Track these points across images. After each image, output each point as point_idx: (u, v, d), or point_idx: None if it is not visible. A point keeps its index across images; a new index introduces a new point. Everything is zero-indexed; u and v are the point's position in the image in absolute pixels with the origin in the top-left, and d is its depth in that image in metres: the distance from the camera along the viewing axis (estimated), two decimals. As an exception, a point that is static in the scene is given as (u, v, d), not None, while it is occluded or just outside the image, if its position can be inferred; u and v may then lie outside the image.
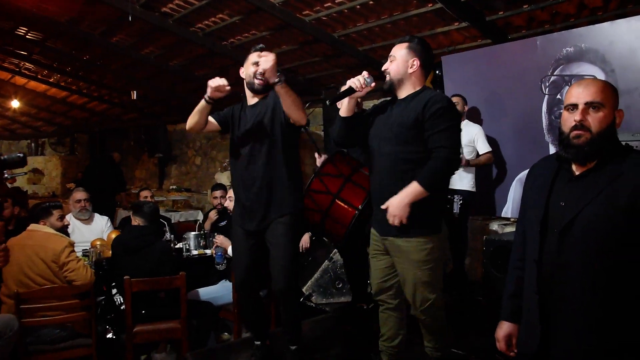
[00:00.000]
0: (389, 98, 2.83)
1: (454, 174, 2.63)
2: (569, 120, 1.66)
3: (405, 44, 2.68)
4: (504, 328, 1.87)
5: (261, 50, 2.83)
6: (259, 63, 2.76)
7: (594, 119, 1.62)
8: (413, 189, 2.45)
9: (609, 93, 1.63)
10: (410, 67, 2.63)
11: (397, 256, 2.64)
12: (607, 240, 1.55)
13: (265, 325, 3.25)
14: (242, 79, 3.06)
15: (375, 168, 2.70)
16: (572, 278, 1.61)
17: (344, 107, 2.70)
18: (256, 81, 2.86)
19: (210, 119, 3.01)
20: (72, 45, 7.82)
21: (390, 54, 2.70)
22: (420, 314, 2.68)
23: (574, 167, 1.67)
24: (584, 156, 1.64)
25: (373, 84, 2.64)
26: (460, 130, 2.64)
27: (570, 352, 1.62)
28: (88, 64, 8.59)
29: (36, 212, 3.70)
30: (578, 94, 1.65)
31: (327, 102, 2.73)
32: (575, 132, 1.64)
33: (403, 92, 2.66)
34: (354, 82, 2.61)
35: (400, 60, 2.64)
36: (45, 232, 3.53)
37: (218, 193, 5.24)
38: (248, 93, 3.02)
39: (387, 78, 2.67)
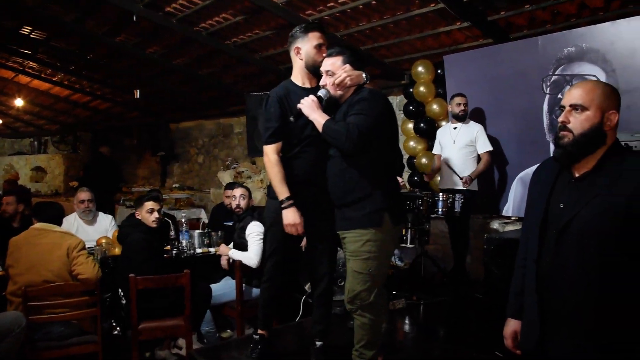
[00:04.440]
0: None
1: (344, 149, 2.58)
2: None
3: (339, 57, 2.73)
4: (511, 325, 1.92)
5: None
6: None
7: (576, 121, 1.67)
8: (318, 115, 2.64)
9: (596, 95, 1.66)
10: None
11: (345, 251, 2.72)
12: (603, 241, 1.58)
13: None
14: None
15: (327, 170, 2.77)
16: (568, 278, 1.65)
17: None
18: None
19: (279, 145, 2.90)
20: (76, 44, 7.87)
21: (326, 68, 2.74)
22: (347, 304, 2.70)
23: (573, 168, 1.71)
24: (568, 156, 1.69)
25: (328, 95, 2.70)
26: (376, 120, 2.57)
27: (565, 349, 1.66)
28: (92, 63, 8.63)
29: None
30: (566, 96, 1.71)
31: (291, 118, 2.75)
32: (560, 133, 1.70)
33: (344, 98, 2.74)
34: (302, 107, 2.69)
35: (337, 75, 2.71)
36: (58, 230, 3.58)
37: (229, 192, 5.19)
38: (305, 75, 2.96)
39: (329, 94, 2.72)
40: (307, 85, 2.93)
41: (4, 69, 10.05)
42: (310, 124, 2.73)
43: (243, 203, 4.44)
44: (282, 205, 2.77)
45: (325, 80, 2.73)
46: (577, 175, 1.70)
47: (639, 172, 1.57)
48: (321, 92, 2.73)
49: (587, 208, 1.61)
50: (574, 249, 1.63)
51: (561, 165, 1.74)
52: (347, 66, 2.70)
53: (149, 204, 3.94)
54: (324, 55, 2.82)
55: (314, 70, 2.88)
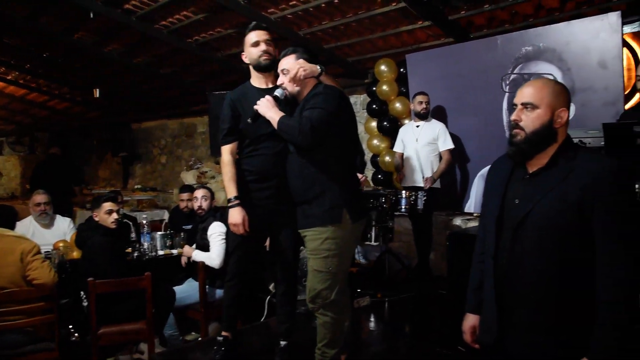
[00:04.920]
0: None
1: (298, 143, 2.59)
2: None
3: (293, 55, 2.74)
4: (469, 320, 1.95)
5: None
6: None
7: (527, 119, 1.70)
8: (273, 113, 2.64)
9: (546, 93, 1.70)
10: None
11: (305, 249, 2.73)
12: (558, 235, 1.61)
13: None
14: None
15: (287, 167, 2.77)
16: (525, 272, 1.68)
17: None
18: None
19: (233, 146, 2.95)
20: (31, 41, 7.61)
21: (282, 67, 2.76)
22: (309, 303, 2.70)
23: (527, 165, 1.74)
24: (521, 153, 1.72)
25: (285, 94, 2.72)
26: (330, 113, 2.56)
27: (523, 344, 1.69)
28: (48, 61, 8.38)
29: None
30: (518, 95, 1.75)
31: (249, 120, 2.76)
32: (513, 131, 1.74)
33: (302, 96, 2.75)
34: (258, 107, 2.71)
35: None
36: (11, 235, 3.44)
37: (185, 196, 5.20)
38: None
39: (286, 93, 2.73)
40: (264, 86, 2.96)
41: (-45, 68, 9.66)
42: (265, 122, 2.73)
43: (205, 204, 4.38)
44: (229, 204, 2.84)
45: (281, 79, 2.74)
46: (530, 171, 1.73)
47: (590, 167, 1.61)
48: (277, 92, 2.74)
49: (541, 203, 1.64)
50: (529, 243, 1.66)
51: (515, 162, 1.77)
52: (301, 61, 2.70)
53: (107, 205, 3.86)
54: (262, 49, 2.87)
55: (261, 69, 2.94)
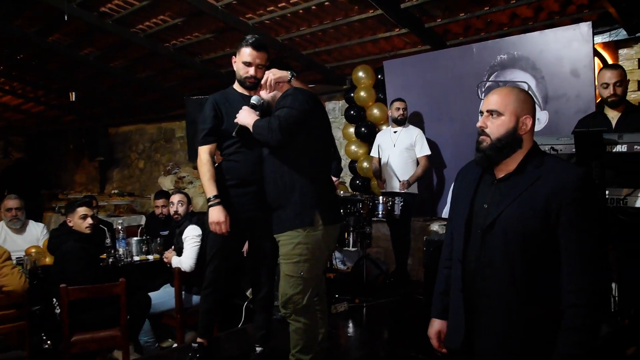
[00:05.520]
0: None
1: (268, 142, 2.63)
2: None
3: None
4: (435, 326, 1.96)
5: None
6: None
7: (492, 125, 1.75)
8: (250, 119, 2.69)
9: (511, 101, 1.74)
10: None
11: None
12: (525, 239, 1.65)
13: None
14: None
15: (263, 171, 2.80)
16: (493, 275, 1.70)
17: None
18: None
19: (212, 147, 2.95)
20: (3, 43, 7.47)
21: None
22: (281, 308, 2.70)
23: (495, 170, 1.77)
24: (486, 159, 1.76)
25: (262, 101, 2.76)
26: (299, 111, 2.58)
27: (491, 345, 1.72)
28: (23, 64, 8.23)
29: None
30: (484, 103, 1.79)
31: (233, 134, 2.79)
32: (479, 138, 1.78)
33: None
34: (238, 120, 2.75)
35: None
36: None
37: (160, 202, 5.17)
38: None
39: (262, 100, 2.77)
40: (246, 93, 2.97)
41: None
42: (247, 129, 2.75)
43: (181, 209, 4.35)
44: (209, 203, 2.82)
45: (259, 89, 2.80)
46: (499, 177, 1.76)
47: (556, 174, 1.64)
48: (253, 99, 2.77)
49: (510, 208, 1.67)
50: (498, 247, 1.69)
51: (483, 168, 1.80)
52: (273, 69, 2.73)
53: (82, 210, 3.80)
54: (251, 74, 2.88)
55: (241, 83, 2.96)
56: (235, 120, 2.76)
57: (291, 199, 2.60)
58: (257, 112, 2.74)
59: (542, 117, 4.57)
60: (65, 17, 5.31)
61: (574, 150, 3.47)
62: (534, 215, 1.62)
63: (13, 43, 7.32)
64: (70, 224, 3.82)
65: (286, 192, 2.62)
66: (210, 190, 2.82)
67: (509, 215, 1.66)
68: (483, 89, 4.98)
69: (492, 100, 1.76)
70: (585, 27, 4.26)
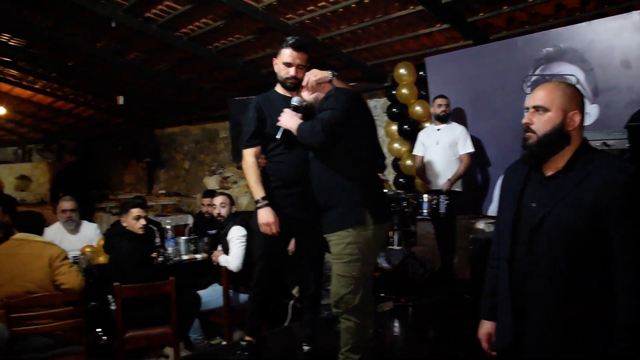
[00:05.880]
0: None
1: (312, 145, 2.62)
2: None
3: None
4: (484, 327, 1.94)
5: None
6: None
7: (539, 122, 1.71)
8: (293, 123, 2.69)
9: (557, 96, 1.70)
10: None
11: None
12: (573, 238, 1.61)
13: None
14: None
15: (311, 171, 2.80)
16: (541, 275, 1.67)
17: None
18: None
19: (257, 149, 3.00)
20: (56, 51, 7.80)
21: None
22: (333, 308, 2.69)
23: (543, 168, 1.74)
24: (533, 156, 1.72)
25: (303, 102, 2.78)
26: (341, 113, 2.57)
27: (540, 346, 1.68)
28: (73, 70, 8.56)
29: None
30: (530, 98, 1.75)
31: (277, 137, 2.81)
32: (525, 134, 1.75)
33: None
34: (281, 123, 2.75)
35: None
36: (39, 240, 3.53)
37: (206, 201, 5.26)
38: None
39: (304, 102, 2.79)
40: (288, 95, 2.98)
41: (-16, 77, 9.95)
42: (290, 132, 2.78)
43: (223, 211, 4.41)
44: (257, 205, 2.86)
45: (300, 90, 2.81)
46: (547, 174, 1.73)
47: (606, 171, 1.60)
48: (294, 100, 2.78)
49: (558, 206, 1.64)
50: (546, 247, 1.66)
51: (530, 166, 1.77)
52: (314, 69, 2.75)
53: (135, 211, 3.92)
54: (291, 74, 2.89)
55: (285, 88, 2.98)
56: (278, 124, 2.77)
57: (340, 199, 2.61)
58: (299, 114, 2.76)
59: (592, 111, 4.42)
60: (112, 24, 5.48)
61: (627, 145, 3.36)
62: (582, 213, 1.58)
63: (64, 50, 7.63)
64: (124, 224, 3.94)
65: (335, 192, 2.62)
66: (258, 192, 2.86)
67: (557, 214, 1.63)
68: (529, 83, 4.85)
69: (537, 96, 1.72)
70: (637, 16, 4.10)
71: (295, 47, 2.89)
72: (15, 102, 11.45)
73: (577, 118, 1.69)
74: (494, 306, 1.86)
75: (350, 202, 2.60)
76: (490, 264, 1.94)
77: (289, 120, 2.73)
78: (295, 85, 2.92)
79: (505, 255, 1.77)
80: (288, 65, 2.91)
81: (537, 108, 1.71)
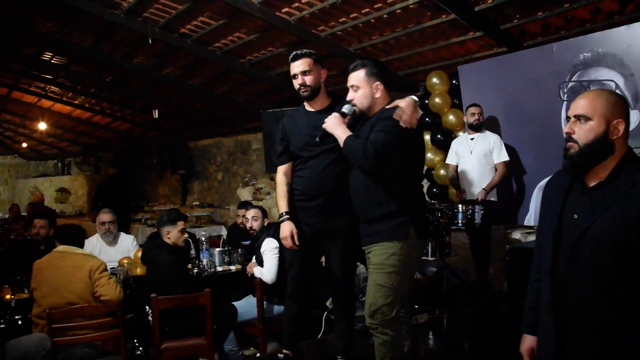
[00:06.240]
0: None
1: (360, 166, 2.62)
2: None
3: (362, 70, 2.71)
4: (527, 342, 1.89)
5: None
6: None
7: (580, 131, 1.66)
8: (340, 131, 2.67)
9: (600, 104, 1.65)
10: (376, 92, 2.70)
11: (369, 264, 2.72)
12: (618, 251, 1.56)
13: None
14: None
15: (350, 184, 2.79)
16: (584, 289, 1.62)
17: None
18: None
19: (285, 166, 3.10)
20: (94, 67, 8.06)
21: (351, 83, 2.74)
22: (368, 318, 2.65)
23: (586, 178, 1.69)
24: (575, 166, 1.68)
25: (353, 110, 2.72)
26: (394, 137, 2.54)
27: None
28: (111, 85, 8.82)
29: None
30: (571, 107, 1.71)
31: (317, 139, 2.84)
32: (567, 144, 1.70)
33: (372, 112, 2.74)
34: (326, 125, 2.73)
35: (364, 89, 2.70)
36: (80, 253, 3.63)
37: (241, 212, 5.28)
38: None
39: (356, 109, 2.73)
40: (315, 109, 3.02)
41: (28, 94, 10.35)
42: (302, 140, 2.91)
43: (256, 224, 4.43)
44: (279, 219, 3.00)
45: (351, 95, 2.74)
46: (590, 185, 1.68)
47: None
48: (345, 108, 2.74)
49: (601, 218, 1.59)
50: (589, 260, 1.61)
51: (572, 176, 1.72)
52: (397, 100, 2.66)
53: (181, 224, 3.99)
54: (298, 83, 2.95)
55: (299, 97, 3.03)
56: (323, 126, 2.75)
57: (386, 211, 2.61)
58: (347, 119, 2.74)
59: (633, 117, 4.29)
60: (150, 40, 5.63)
61: (671, 152, 3.25)
62: (629, 225, 1.53)
63: (103, 67, 7.87)
64: (169, 237, 3.96)
65: (380, 205, 2.62)
66: (281, 207, 3.01)
67: (601, 226, 1.58)
68: (565, 90, 4.74)
69: (579, 105, 1.68)
70: (679, 19, 3.97)
71: (292, 60, 2.99)
72: (55, 117, 11.85)
73: (621, 127, 1.64)
74: (536, 320, 1.82)
75: (397, 216, 2.60)
76: (531, 277, 1.90)
77: (335, 126, 2.70)
78: (308, 93, 2.95)
79: (547, 269, 1.72)
80: (294, 77, 2.99)
81: (578, 117, 1.67)
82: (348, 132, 2.66)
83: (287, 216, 2.96)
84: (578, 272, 1.64)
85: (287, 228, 2.93)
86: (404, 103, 2.62)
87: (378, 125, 2.60)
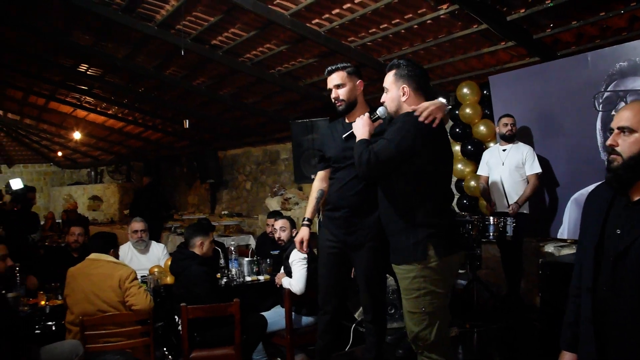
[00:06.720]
0: None
1: (366, 174, 2.51)
2: None
3: (392, 72, 2.64)
4: (565, 358, 1.85)
5: None
6: None
7: (624, 144, 1.63)
8: (361, 133, 2.62)
9: None
10: (403, 95, 2.59)
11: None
12: None
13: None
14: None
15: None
16: (627, 306, 1.58)
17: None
18: None
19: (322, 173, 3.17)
20: (128, 78, 8.24)
21: (384, 85, 2.67)
22: (411, 344, 2.55)
23: (630, 192, 1.64)
24: (618, 180, 1.64)
25: (386, 113, 2.67)
26: (396, 150, 2.41)
27: None
28: (143, 96, 9.00)
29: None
30: (615, 118, 1.67)
31: (343, 137, 2.86)
32: (609, 157, 1.66)
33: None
34: (355, 128, 2.67)
35: (392, 91, 2.62)
36: (110, 260, 3.69)
37: (271, 221, 5.27)
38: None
39: (386, 111, 2.67)
40: (348, 120, 3.01)
41: (64, 104, 10.65)
42: (335, 151, 2.96)
43: (284, 235, 4.44)
44: (302, 223, 3.13)
45: (383, 97, 2.69)
46: (633, 199, 1.63)
47: None
48: (378, 111, 2.70)
49: None
50: (632, 276, 1.56)
51: (615, 190, 1.67)
52: (424, 103, 2.54)
53: (212, 234, 4.11)
54: (333, 97, 2.95)
55: (338, 113, 3.03)
56: (353, 124, 2.72)
57: (403, 228, 2.48)
58: (378, 122, 2.71)
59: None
60: (182, 52, 5.74)
61: None
62: None
63: (136, 78, 8.05)
64: (202, 247, 3.99)
65: (398, 219, 2.50)
66: (306, 212, 3.16)
67: None
68: (600, 100, 4.63)
69: (623, 116, 1.64)
70: None
71: (326, 74, 3.00)
72: (89, 127, 12.16)
73: None
74: (576, 337, 1.77)
75: (413, 234, 2.44)
76: (570, 293, 1.85)
77: (358, 128, 2.64)
78: (343, 106, 2.95)
79: (588, 285, 1.67)
80: (330, 91, 2.99)
81: (622, 129, 1.63)
82: (365, 136, 2.58)
83: (308, 222, 3.11)
84: (620, 288, 1.59)
85: (301, 233, 3.08)
86: (429, 103, 2.54)
87: (389, 130, 2.52)
